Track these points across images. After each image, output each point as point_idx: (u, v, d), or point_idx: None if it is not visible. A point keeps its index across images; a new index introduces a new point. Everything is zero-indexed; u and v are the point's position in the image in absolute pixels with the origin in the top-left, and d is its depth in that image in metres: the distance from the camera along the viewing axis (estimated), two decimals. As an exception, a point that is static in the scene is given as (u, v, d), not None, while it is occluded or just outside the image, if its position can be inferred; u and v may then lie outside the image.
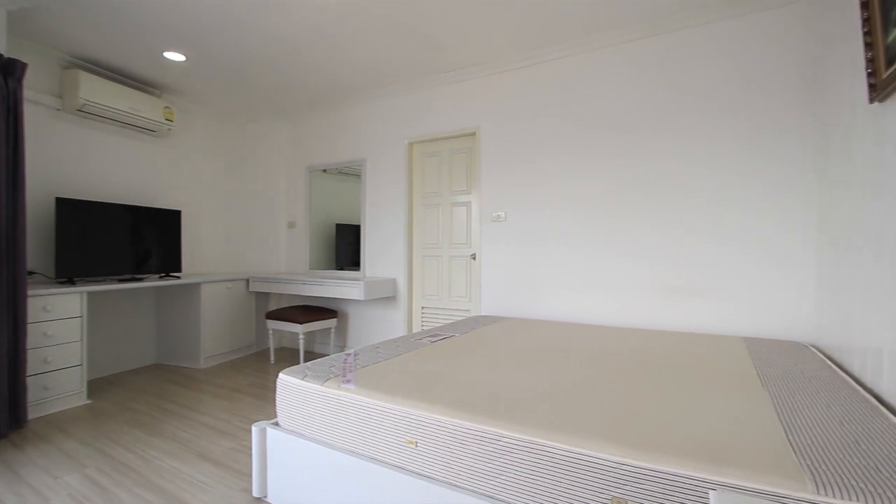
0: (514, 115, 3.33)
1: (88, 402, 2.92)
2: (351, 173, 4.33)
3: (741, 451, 1.02)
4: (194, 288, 3.77)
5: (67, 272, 3.04)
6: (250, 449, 2.20)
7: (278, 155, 4.67)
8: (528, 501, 1.15)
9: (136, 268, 3.50)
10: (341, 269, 4.48)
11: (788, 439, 1.08)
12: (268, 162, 4.66)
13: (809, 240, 2.38)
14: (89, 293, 3.32)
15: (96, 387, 3.26)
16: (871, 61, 1.43)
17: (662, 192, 2.78)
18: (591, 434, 1.13)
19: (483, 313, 3.44)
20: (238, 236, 4.67)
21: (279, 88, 3.90)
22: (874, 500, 0.83)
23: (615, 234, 2.92)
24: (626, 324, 2.88)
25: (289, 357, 4.16)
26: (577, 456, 1.09)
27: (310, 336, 4.46)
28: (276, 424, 1.72)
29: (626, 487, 1.03)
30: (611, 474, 1.04)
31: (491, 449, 1.21)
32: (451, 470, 1.27)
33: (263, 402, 2.91)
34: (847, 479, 0.89)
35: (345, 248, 4.48)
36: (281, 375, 1.72)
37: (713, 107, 2.63)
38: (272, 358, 4.00)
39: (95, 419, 2.63)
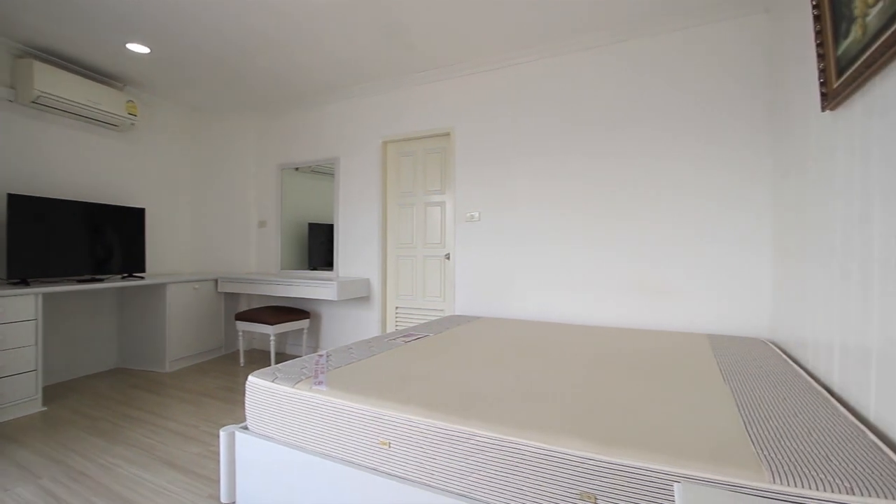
0: (488, 115, 3.35)
1: (44, 409, 2.78)
2: (324, 172, 4.27)
3: (704, 445, 1.06)
4: (159, 289, 3.64)
5: (20, 273, 2.89)
6: (218, 454, 2.15)
7: (248, 152, 4.56)
8: (500, 499, 1.16)
9: (97, 268, 3.36)
10: (314, 269, 4.41)
11: (747, 431, 1.13)
12: (237, 159, 4.55)
13: (768, 241, 2.49)
14: (45, 294, 3.16)
15: (53, 393, 3.10)
16: (822, 71, 1.51)
17: (634, 194, 2.85)
18: (560, 431, 1.15)
19: (457, 313, 3.46)
20: (206, 235, 4.53)
21: (250, 84, 3.81)
22: (824, 487, 0.87)
23: (587, 234, 2.98)
24: (597, 322, 2.94)
25: (259, 359, 4.07)
26: (547, 453, 1.11)
27: (281, 337, 4.38)
28: (246, 428, 1.68)
29: (594, 482, 1.05)
30: (580, 470, 1.07)
31: (464, 448, 1.21)
32: (425, 470, 1.27)
33: (232, 406, 2.83)
34: (800, 467, 0.94)
35: (318, 247, 4.42)
36: (250, 378, 1.68)
37: (683, 112, 2.72)
38: (242, 360, 3.91)
39: (51, 427, 2.50)
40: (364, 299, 3.88)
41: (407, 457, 1.30)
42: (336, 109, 4.08)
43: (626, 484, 1.02)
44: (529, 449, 1.13)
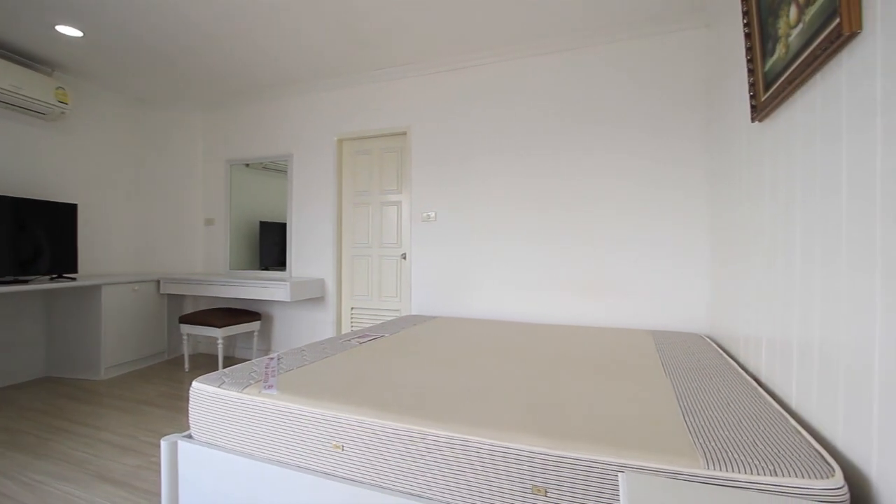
0: (445, 116, 3.37)
1: (-44, 424, 2.52)
2: (276, 169, 4.13)
3: (647, 435, 1.12)
4: (93, 290, 3.39)
5: (-72, 274, 2.60)
6: (159, 465, 2.03)
7: (195, 146, 4.34)
8: (454, 496, 1.17)
9: (21, 268, 3.08)
10: (266, 269, 4.26)
11: (685, 422, 1.20)
12: (183, 153, 4.32)
13: (705, 243, 2.66)
14: (-42, 298, 2.87)
15: (-34, 406, 2.82)
16: (752, 85, 1.62)
17: (583, 196, 2.96)
18: (512, 427, 1.18)
19: (413, 313, 3.45)
20: (148, 234, 4.27)
21: (197, 74, 3.63)
22: (752, 470, 0.94)
23: (540, 235, 3.06)
24: (549, 320, 3.02)
25: (206, 364, 3.88)
26: (500, 449, 1.13)
27: (230, 340, 4.19)
28: (190, 437, 1.60)
29: (545, 476, 1.08)
30: (530, 464, 1.09)
31: (417, 448, 1.21)
32: (378, 472, 1.26)
33: (176, 414, 2.69)
34: (731, 453, 1.01)
35: (270, 247, 4.27)
36: (195, 383, 1.60)
37: (631, 118, 2.85)
38: (187, 365, 3.71)
39: (-35, 443, 2.27)
40: (318, 300, 3.79)
41: (360, 459, 1.28)
42: (290, 104, 3.96)
43: (574, 476, 1.05)
44: (483, 446, 1.15)
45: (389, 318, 3.55)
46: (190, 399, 1.59)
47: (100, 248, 3.90)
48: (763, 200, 1.64)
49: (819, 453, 1.01)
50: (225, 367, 3.67)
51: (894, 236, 0.84)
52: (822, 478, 0.90)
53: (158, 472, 1.98)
